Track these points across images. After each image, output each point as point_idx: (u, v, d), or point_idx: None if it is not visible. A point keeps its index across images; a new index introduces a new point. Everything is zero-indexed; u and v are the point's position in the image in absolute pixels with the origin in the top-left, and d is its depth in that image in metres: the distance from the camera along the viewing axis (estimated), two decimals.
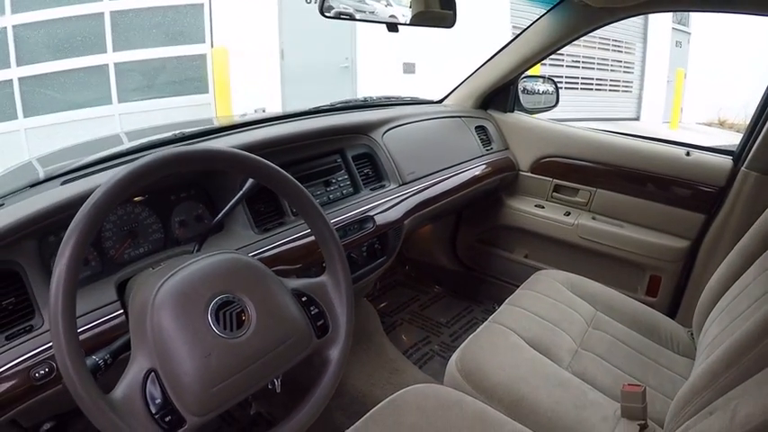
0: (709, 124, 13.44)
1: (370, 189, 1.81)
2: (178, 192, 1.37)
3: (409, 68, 8.80)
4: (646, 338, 1.76)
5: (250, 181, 1.21)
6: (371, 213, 1.71)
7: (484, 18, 8.26)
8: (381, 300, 2.68)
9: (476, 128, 2.46)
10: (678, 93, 12.48)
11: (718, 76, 12.95)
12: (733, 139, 10.11)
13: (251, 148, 1.42)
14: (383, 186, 1.85)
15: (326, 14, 1.71)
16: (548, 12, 2.28)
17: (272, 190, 1.12)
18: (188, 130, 1.62)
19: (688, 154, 2.24)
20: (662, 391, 1.53)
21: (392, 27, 1.80)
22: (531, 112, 2.63)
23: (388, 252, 1.80)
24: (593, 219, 2.44)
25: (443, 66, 7.72)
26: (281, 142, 1.60)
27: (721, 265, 1.69)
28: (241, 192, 1.24)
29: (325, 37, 8.03)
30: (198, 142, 1.50)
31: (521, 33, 2.40)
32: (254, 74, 7.48)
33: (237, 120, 1.89)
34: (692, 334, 1.80)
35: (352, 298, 1.14)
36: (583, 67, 11.38)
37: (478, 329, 1.66)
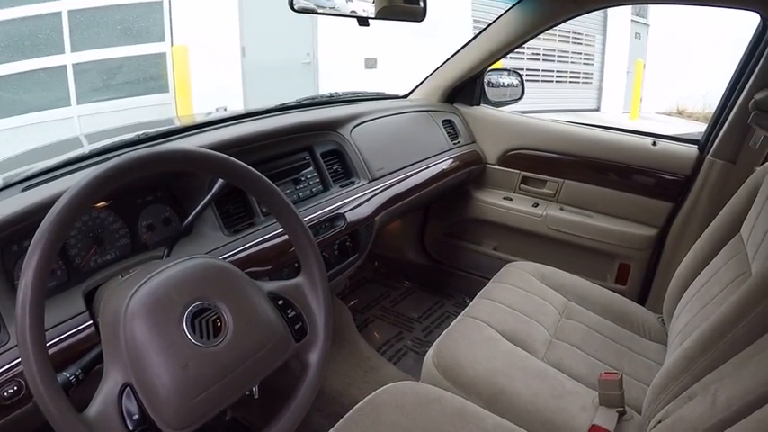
0: (669, 114, 13.67)
1: (340, 186, 1.79)
2: (144, 195, 1.32)
3: (371, 64, 8.77)
4: (618, 326, 1.77)
5: (220, 182, 1.18)
6: (342, 211, 1.69)
7: (445, 13, 8.26)
8: (352, 297, 2.66)
9: (443, 122, 2.45)
10: (637, 83, 12.69)
11: (677, 67, 13.18)
12: (692, 128, 10.35)
13: (218, 147, 1.38)
14: (353, 183, 1.83)
15: (295, 8, 1.68)
16: (515, 5, 2.29)
17: (242, 190, 1.09)
18: (152, 131, 1.57)
19: (654, 144, 2.27)
20: (637, 377, 1.54)
21: (363, 21, 1.78)
22: (497, 105, 2.64)
23: (360, 249, 1.78)
24: (562, 209, 2.46)
25: (405, 61, 7.74)
26: (249, 141, 1.57)
27: (690, 251, 1.71)
28: (210, 193, 1.21)
29: (287, 33, 7.93)
30: (163, 143, 1.46)
31: (487, 27, 2.40)
32: (215, 72, 7.35)
33: (202, 119, 1.85)
34: (662, 320, 1.82)
35: (329, 299, 1.12)
36: (543, 60, 11.51)
37: (452, 324, 1.65)
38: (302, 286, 1.12)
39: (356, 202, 1.76)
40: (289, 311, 1.06)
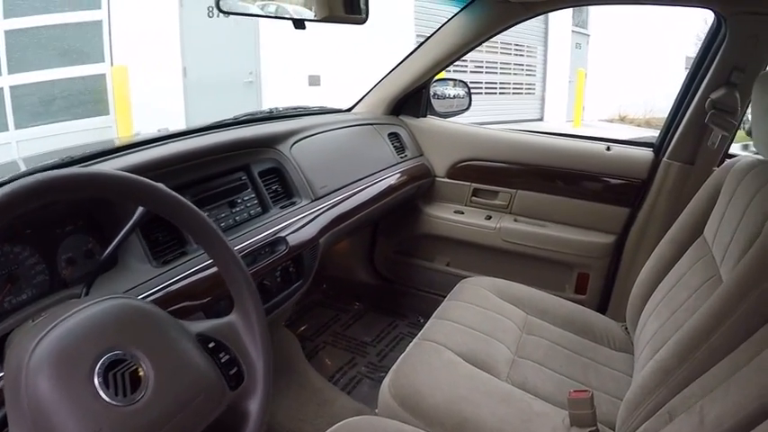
0: (611, 120, 14.12)
1: (280, 207, 1.66)
2: (63, 224, 1.16)
3: (314, 81, 8.69)
4: (581, 338, 1.72)
5: (141, 208, 1.05)
6: (283, 234, 1.56)
7: (388, 29, 8.26)
8: (300, 323, 2.51)
9: (389, 135, 2.36)
10: (579, 92, 13.07)
11: (618, 75, 13.57)
12: (634, 134, 10.65)
13: (144, 168, 1.27)
14: (294, 203, 1.71)
15: (222, 10, 1.55)
16: (461, 10, 2.22)
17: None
18: (78, 154, 1.40)
19: (608, 149, 2.23)
20: (606, 390, 1.49)
21: (299, 24, 1.65)
22: (444, 115, 2.56)
23: (304, 275, 1.65)
24: (516, 221, 2.39)
25: (349, 77, 7.66)
26: (178, 160, 1.42)
27: (651, 256, 1.69)
28: (131, 221, 1.07)
29: (229, 52, 7.82)
30: (88, 165, 1.31)
31: (432, 35, 2.32)
32: (157, 93, 7.14)
33: (131, 139, 1.70)
34: (626, 328, 1.78)
35: (268, 337, 0.99)
36: (486, 72, 11.71)
37: (408, 348, 1.55)
38: (236, 325, 0.98)
39: (298, 224, 1.64)
40: (222, 355, 0.93)
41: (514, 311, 1.78)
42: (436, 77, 2.48)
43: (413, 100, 2.51)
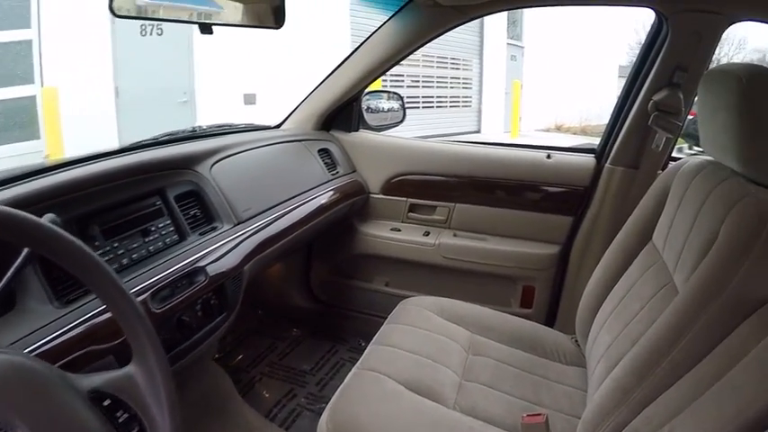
0: (548, 130, 14.52)
1: (200, 234, 1.52)
2: None
3: (250, 99, 8.58)
4: (530, 354, 1.66)
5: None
6: (202, 263, 1.42)
7: (325, 46, 8.26)
8: (234, 355, 2.36)
9: (319, 151, 2.24)
10: (516, 103, 13.37)
11: (553, 85, 13.94)
12: (570, 142, 10.91)
13: (41, 196, 1.15)
14: (215, 229, 1.57)
15: (116, 14, 1.40)
16: (392, 17, 2.12)
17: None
18: None
19: (549, 157, 2.20)
20: (560, 408, 1.44)
21: (205, 28, 1.52)
22: (377, 129, 2.46)
23: (228, 307, 1.50)
24: (455, 236, 2.31)
25: (285, 95, 7.57)
26: (83, 186, 1.28)
27: (598, 266, 1.64)
28: (16, 262, 0.91)
29: (163, 70, 7.68)
30: None
31: (361, 45, 2.22)
32: (89, 114, 6.92)
33: (30, 166, 1.53)
34: (576, 341, 1.72)
35: (173, 390, 0.86)
36: (423, 86, 11.88)
37: (347, 380, 1.45)
38: (135, 377, 0.85)
39: (219, 252, 1.50)
40: (119, 414, 0.82)
41: (458, 331, 1.70)
42: (369, 90, 2.38)
43: (344, 114, 2.41)
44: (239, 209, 1.67)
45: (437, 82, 12.23)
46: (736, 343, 0.98)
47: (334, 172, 2.26)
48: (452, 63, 12.62)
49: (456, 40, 12.20)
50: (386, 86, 9.34)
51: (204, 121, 7.92)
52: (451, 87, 12.74)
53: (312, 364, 2.35)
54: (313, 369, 2.33)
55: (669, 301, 1.14)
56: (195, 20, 1.53)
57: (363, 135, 2.46)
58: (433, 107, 12.19)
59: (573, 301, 1.80)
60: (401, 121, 2.50)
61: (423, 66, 11.64)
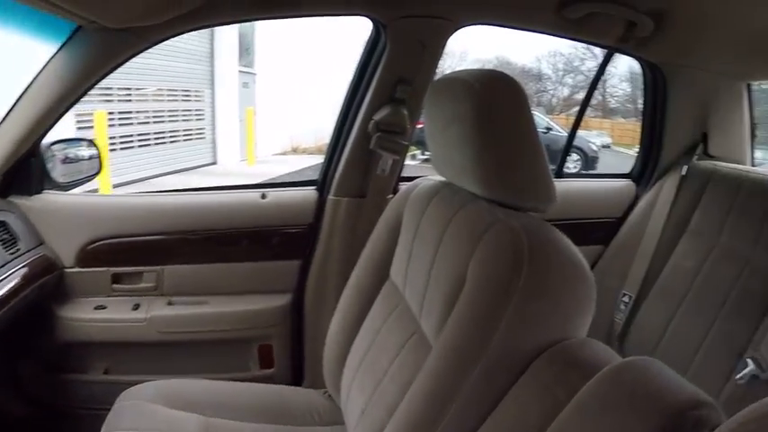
0: (285, 153, 14.74)
1: None
2: None
3: None
4: (279, 425, 1.48)
5: None
6: None
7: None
8: None
9: None
10: (250, 130, 13.37)
11: (287, 108, 14.14)
12: (307, 162, 11.16)
13: None
14: None
15: None
16: (60, 48, 1.72)
17: None
18: None
19: (263, 196, 2.00)
20: None
21: None
22: (66, 187, 2.00)
23: None
24: (170, 304, 1.99)
25: None
26: None
27: (336, 311, 1.51)
28: None
29: None
30: None
31: (28, 87, 1.77)
32: None
33: None
34: (329, 395, 1.57)
35: None
36: (154, 122, 11.26)
37: None
38: None
39: None
40: None
41: (190, 419, 1.43)
42: (53, 139, 1.92)
43: (22, 173, 1.90)
44: None
45: (169, 116, 11.64)
46: (513, 409, 0.86)
47: (15, 250, 1.78)
48: (183, 95, 12.16)
49: (186, 72, 11.83)
50: (113, 125, 8.65)
51: None
52: (184, 120, 12.24)
53: None
54: None
55: (421, 356, 1.03)
56: None
57: (48, 197, 1.97)
58: (165, 143, 11.61)
59: (317, 353, 1.61)
60: (97, 173, 2.07)
61: (153, 100, 11.05)
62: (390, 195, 1.92)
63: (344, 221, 1.93)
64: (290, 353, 2.05)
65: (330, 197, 1.94)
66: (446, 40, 1.81)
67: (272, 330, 2.01)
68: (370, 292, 1.40)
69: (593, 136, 15.27)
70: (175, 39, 1.76)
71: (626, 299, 2.22)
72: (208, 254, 1.98)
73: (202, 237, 1.97)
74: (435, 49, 1.80)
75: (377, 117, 1.79)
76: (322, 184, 1.99)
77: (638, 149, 2.43)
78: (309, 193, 2.00)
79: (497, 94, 1.03)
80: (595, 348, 0.89)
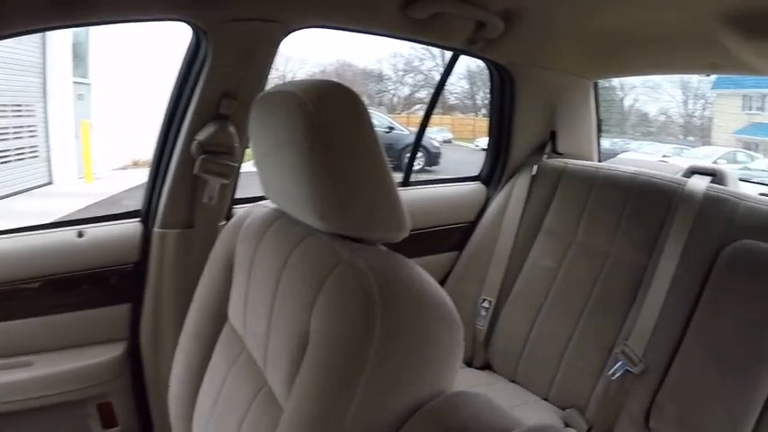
0: (125, 168, 13.99)
1: None
2: None
3: None
4: None
5: None
6: None
7: None
8: None
9: None
10: (86, 145, 12.60)
11: (127, 120, 13.46)
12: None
13: None
14: None
15: None
16: None
17: None
18: None
19: (81, 235, 1.74)
20: None
21: None
22: None
23: None
24: None
25: None
26: None
27: (175, 359, 1.29)
28: None
29: None
30: None
31: None
32: None
33: None
34: None
35: None
36: None
37: None
38: None
39: None
40: None
41: None
42: None
43: None
44: None
45: None
46: None
47: None
48: (14, 110, 11.35)
49: (17, 84, 11.05)
50: None
51: None
52: (16, 138, 11.41)
53: None
54: None
55: (272, 419, 0.89)
56: None
57: None
58: None
59: (163, 408, 1.43)
60: None
61: None
62: (223, 222, 1.77)
63: (174, 257, 1.75)
64: (133, 407, 1.85)
65: (156, 229, 1.75)
66: (276, 46, 1.66)
67: (110, 386, 1.77)
68: (209, 338, 1.23)
69: (434, 132, 15.44)
70: (3, 49, 1.52)
71: (486, 304, 2.21)
72: (22, 308, 1.67)
73: (10, 288, 1.64)
74: (264, 57, 1.66)
75: (200, 137, 1.63)
76: (146, 215, 1.79)
77: (477, 143, 2.44)
78: (133, 226, 1.80)
79: (334, 111, 0.90)
80: (471, 401, 0.80)
